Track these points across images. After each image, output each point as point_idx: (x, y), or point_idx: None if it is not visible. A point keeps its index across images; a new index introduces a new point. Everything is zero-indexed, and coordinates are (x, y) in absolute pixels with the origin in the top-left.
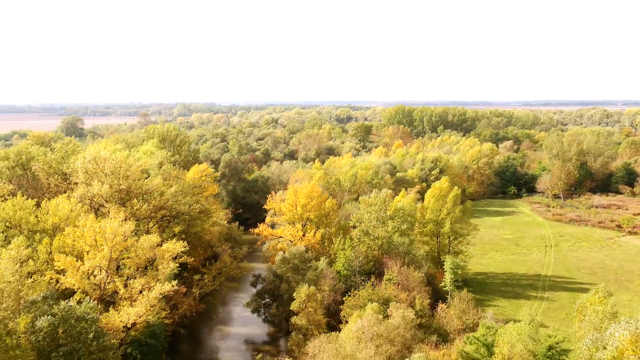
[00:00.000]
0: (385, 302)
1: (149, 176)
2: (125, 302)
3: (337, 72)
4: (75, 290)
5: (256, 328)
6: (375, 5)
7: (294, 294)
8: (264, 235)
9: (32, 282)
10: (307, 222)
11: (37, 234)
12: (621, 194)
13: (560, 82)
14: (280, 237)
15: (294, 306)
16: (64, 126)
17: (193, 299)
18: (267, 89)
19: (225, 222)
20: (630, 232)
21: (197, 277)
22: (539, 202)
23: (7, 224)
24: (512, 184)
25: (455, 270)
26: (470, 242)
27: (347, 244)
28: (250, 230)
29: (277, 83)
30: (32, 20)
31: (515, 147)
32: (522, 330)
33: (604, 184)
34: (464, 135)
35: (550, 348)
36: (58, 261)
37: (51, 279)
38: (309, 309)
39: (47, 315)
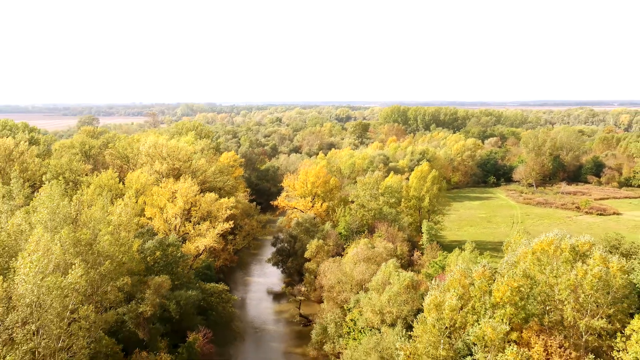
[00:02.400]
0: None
1: (192, 160)
2: (195, 238)
3: (336, 72)
4: (158, 232)
5: (274, 279)
6: (374, 6)
7: (307, 246)
8: (281, 206)
9: (136, 222)
10: (315, 197)
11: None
12: (589, 183)
13: (558, 82)
14: (295, 207)
15: (307, 254)
16: (81, 125)
17: (228, 253)
18: (267, 89)
19: (247, 201)
20: (586, 212)
21: (230, 237)
22: (514, 190)
23: (101, 189)
24: (492, 174)
25: (430, 231)
26: (445, 214)
27: (347, 212)
28: (271, 203)
29: (276, 83)
30: (33, 22)
31: (500, 143)
32: (465, 255)
33: (575, 174)
34: (454, 133)
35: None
36: (147, 211)
37: (142, 223)
38: (318, 258)
39: (151, 241)
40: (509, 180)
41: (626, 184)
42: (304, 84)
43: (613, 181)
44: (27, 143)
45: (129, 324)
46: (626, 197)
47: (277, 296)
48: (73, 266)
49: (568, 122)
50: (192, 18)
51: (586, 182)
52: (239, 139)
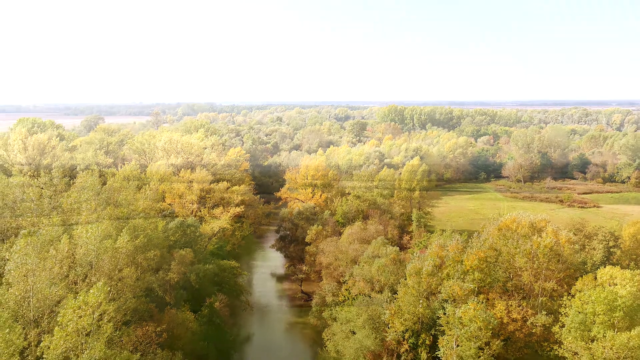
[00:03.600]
0: None
1: (204, 154)
2: (211, 220)
3: (336, 73)
4: (177, 215)
5: (277, 263)
6: (375, 7)
7: (307, 232)
8: (283, 197)
9: (158, 206)
10: (315, 188)
11: (146, 186)
12: (575, 179)
13: (557, 83)
14: (296, 198)
15: (307, 239)
16: (87, 124)
17: (236, 238)
18: (267, 89)
19: (251, 193)
20: (568, 205)
21: (238, 224)
22: (502, 185)
23: (126, 179)
24: (483, 170)
25: (419, 219)
26: (434, 206)
27: (344, 202)
28: (275, 194)
29: (276, 83)
30: (34, 22)
31: (493, 141)
32: (445, 235)
33: (562, 171)
34: (449, 131)
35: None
36: (167, 198)
37: (163, 208)
38: (318, 242)
39: (173, 222)
40: (499, 176)
41: (610, 179)
42: (303, 84)
43: (598, 177)
44: (58, 138)
45: (158, 290)
46: (608, 192)
47: (280, 278)
48: (120, 234)
49: (562, 122)
50: (192, 18)
51: (572, 178)
52: (242, 137)
